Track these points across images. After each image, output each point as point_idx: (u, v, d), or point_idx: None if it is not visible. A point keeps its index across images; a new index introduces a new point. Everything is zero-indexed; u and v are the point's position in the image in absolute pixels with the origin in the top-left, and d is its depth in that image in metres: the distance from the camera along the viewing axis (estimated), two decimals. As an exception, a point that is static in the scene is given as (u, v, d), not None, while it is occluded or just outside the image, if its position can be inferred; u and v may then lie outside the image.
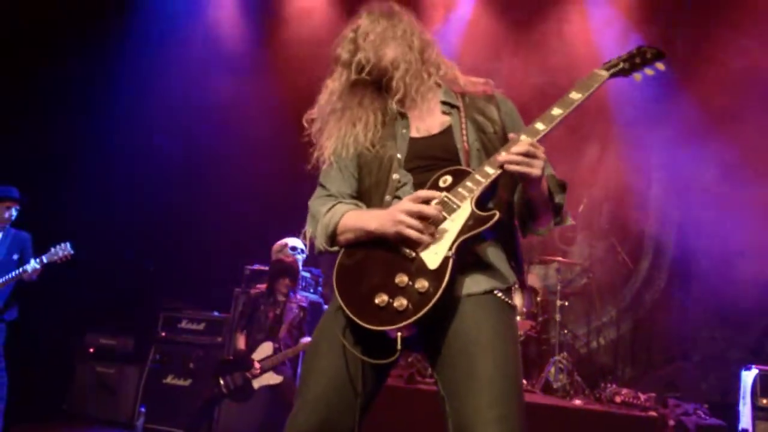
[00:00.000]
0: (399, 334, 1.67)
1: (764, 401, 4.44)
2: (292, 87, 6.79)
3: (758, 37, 6.15)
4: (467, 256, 1.77)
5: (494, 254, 1.85)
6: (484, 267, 1.81)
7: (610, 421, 4.44)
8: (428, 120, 1.98)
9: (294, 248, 5.57)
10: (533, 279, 6.27)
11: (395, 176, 1.90)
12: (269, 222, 6.15)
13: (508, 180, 1.87)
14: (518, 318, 5.53)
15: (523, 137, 1.77)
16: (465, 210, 1.75)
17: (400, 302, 1.68)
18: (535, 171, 1.72)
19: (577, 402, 4.82)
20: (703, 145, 6.25)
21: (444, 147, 1.91)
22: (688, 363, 6.07)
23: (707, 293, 6.11)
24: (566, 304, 5.83)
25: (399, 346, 1.66)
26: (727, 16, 6.27)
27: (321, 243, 1.91)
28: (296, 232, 5.64)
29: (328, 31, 6.49)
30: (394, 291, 1.70)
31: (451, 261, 1.69)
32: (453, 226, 1.75)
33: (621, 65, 1.92)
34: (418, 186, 1.87)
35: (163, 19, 6.76)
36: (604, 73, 1.90)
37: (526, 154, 1.72)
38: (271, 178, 6.42)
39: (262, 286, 5.21)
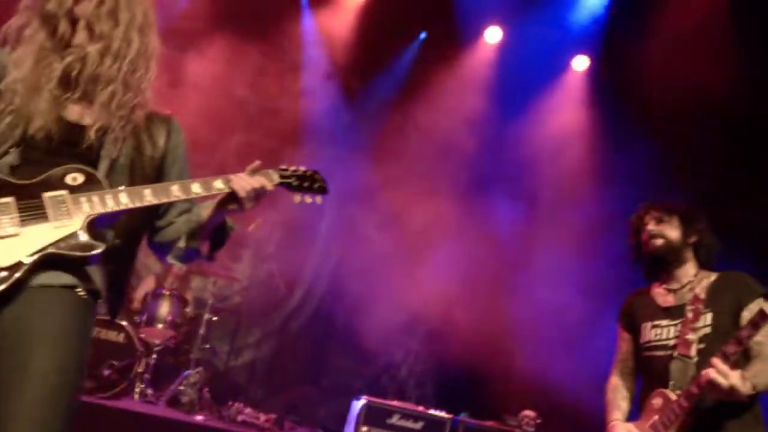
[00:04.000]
0: None
1: (364, 429, 4.92)
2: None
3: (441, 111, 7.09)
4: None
5: (94, 270, 1.70)
6: (73, 268, 1.64)
7: (224, 437, 4.48)
8: (89, 109, 1.76)
9: None
10: (189, 291, 6.14)
11: (20, 135, 1.65)
12: None
13: (143, 209, 1.77)
14: (160, 326, 5.31)
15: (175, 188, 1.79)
16: (74, 225, 1.61)
17: None
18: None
19: (199, 418, 4.76)
20: (372, 195, 6.92)
21: (90, 144, 1.72)
22: (315, 389, 6.49)
23: (346, 328, 6.68)
24: (215, 319, 5.78)
25: None
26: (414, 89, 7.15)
27: None
28: None
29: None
30: None
31: (23, 269, 1.53)
32: (51, 234, 1.58)
33: (292, 180, 2.00)
34: (28, 163, 1.65)
35: None
36: (276, 179, 1.96)
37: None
38: None
39: None
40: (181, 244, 1.92)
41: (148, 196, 1.73)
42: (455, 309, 6.10)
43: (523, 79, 6.95)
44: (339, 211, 6.91)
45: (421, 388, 7.08)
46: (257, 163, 1.89)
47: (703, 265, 2.68)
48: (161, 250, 1.96)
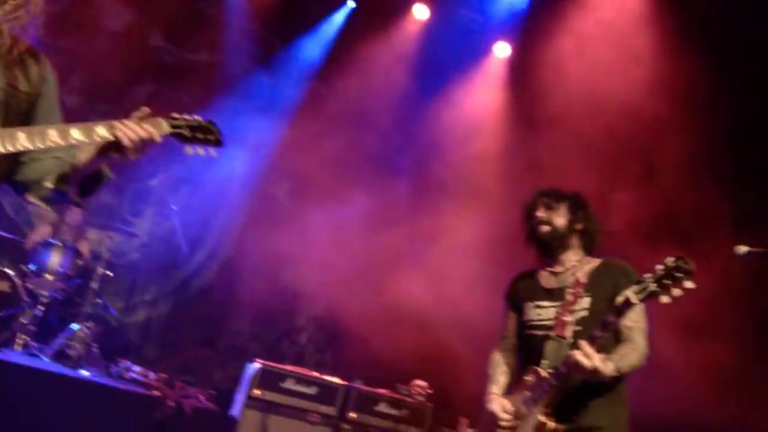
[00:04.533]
0: None
1: (257, 392, 4.93)
2: None
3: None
4: None
5: None
6: None
7: (110, 394, 4.39)
8: None
9: None
10: (85, 243, 5.89)
11: None
12: None
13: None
14: (49, 277, 5.08)
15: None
16: None
17: None
18: None
19: (85, 373, 4.61)
20: (284, 159, 6.83)
21: None
22: (212, 351, 6.43)
23: (248, 291, 6.63)
24: (111, 274, 5.59)
25: None
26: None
27: None
28: None
29: None
30: None
31: None
32: None
33: (183, 130, 1.87)
34: None
35: None
36: (165, 128, 1.84)
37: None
38: None
39: None
40: (49, 184, 1.81)
41: (22, 140, 1.62)
42: (358, 279, 6.17)
43: (447, 58, 7.04)
44: (250, 172, 6.79)
45: (320, 355, 7.16)
46: (145, 110, 1.79)
47: (587, 251, 2.84)
48: (22, 187, 1.83)
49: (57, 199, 1.83)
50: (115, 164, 1.86)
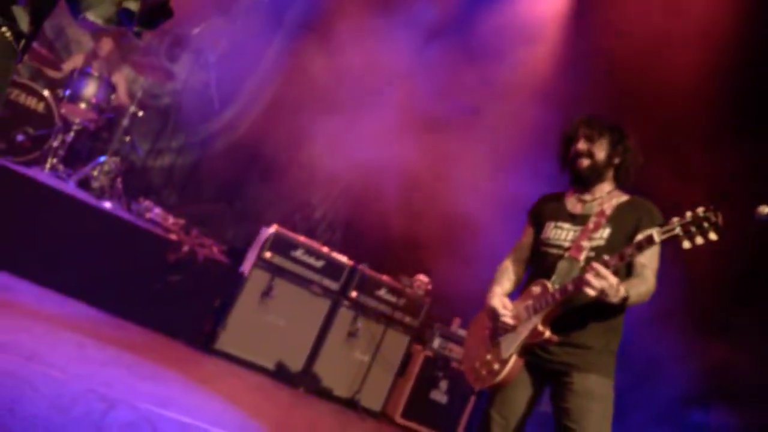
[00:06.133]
0: None
1: (267, 254, 5.10)
2: None
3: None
4: None
5: (20, 12, 1.64)
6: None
7: (128, 229, 4.55)
8: None
9: None
10: (119, 77, 5.89)
11: None
12: None
13: None
14: (83, 105, 5.14)
15: None
16: None
17: None
18: None
19: (106, 204, 4.76)
20: (327, 34, 6.59)
21: None
22: (228, 209, 6.58)
23: (271, 159, 6.65)
24: (141, 114, 5.62)
25: None
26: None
27: None
28: None
29: None
30: None
31: None
32: None
33: None
34: None
35: None
36: None
37: None
38: None
39: None
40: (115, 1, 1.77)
41: None
42: (384, 169, 6.17)
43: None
44: (291, 39, 6.61)
45: (331, 233, 7.32)
46: None
47: (619, 184, 2.82)
48: (82, 4, 1.78)
49: (121, 19, 1.80)
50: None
